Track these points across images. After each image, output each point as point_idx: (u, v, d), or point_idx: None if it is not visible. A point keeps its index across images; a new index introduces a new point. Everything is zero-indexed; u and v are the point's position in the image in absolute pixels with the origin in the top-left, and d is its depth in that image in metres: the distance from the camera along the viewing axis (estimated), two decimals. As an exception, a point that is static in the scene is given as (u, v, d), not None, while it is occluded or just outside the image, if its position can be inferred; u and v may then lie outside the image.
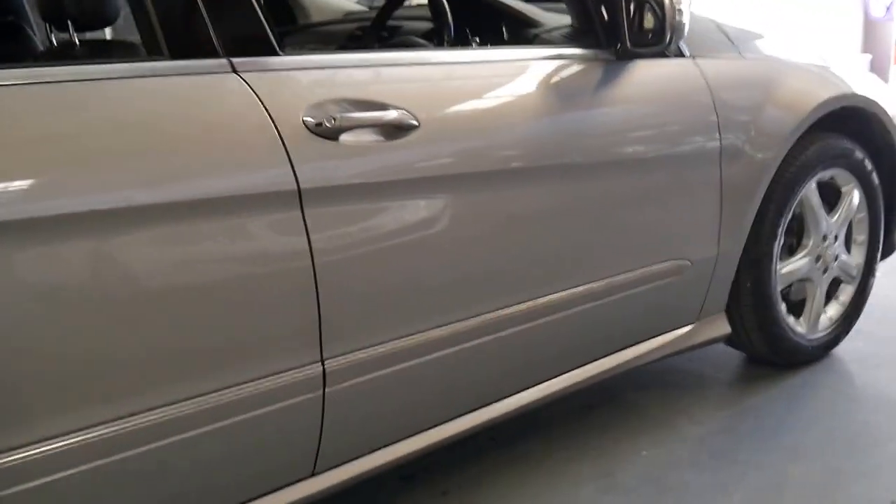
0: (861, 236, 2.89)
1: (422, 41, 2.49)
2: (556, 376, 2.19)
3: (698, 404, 2.58)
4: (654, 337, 2.40)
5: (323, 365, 1.62)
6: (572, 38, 2.24)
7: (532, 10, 2.50)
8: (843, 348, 2.88)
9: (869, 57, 8.71)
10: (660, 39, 2.04)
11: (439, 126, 1.79)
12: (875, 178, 2.81)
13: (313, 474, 1.73)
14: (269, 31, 1.63)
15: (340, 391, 1.67)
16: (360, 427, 1.81)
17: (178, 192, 1.39)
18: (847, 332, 2.91)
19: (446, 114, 1.83)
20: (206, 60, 1.52)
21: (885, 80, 8.68)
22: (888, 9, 8.50)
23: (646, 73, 2.20)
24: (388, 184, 1.70)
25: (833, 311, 2.87)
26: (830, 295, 2.87)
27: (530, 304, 1.99)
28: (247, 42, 1.61)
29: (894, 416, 2.46)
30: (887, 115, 2.78)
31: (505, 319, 1.95)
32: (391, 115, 1.68)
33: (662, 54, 2.24)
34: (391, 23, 2.86)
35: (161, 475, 1.48)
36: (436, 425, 1.95)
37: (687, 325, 2.45)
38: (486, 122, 1.89)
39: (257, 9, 1.63)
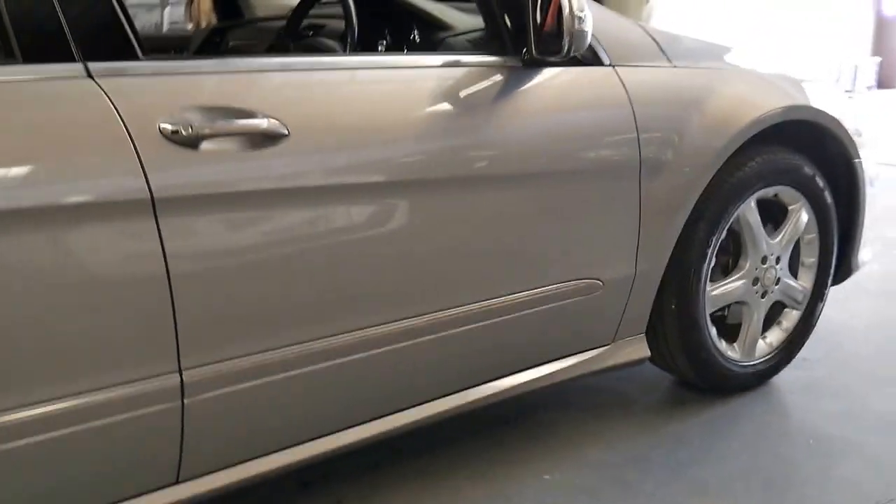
0: (810, 259, 2.77)
1: (330, 44, 2.45)
2: (454, 392, 2.13)
3: (616, 428, 2.50)
4: (565, 357, 2.33)
5: (181, 375, 1.60)
6: (480, 43, 2.16)
7: (446, 14, 2.41)
8: (784, 377, 2.76)
9: (878, 60, 8.62)
10: (557, 47, 1.98)
11: (311, 136, 1.72)
12: (827, 196, 2.70)
13: (177, 482, 1.71)
14: (129, 34, 1.60)
15: (201, 402, 1.65)
16: (226, 438, 1.77)
17: (29, 199, 1.40)
18: (789, 361, 2.79)
19: (320, 123, 1.75)
20: (61, 65, 1.50)
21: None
22: (902, 8, 8.38)
23: (555, 82, 2.09)
24: (251, 194, 1.66)
25: (774, 337, 2.76)
26: (773, 319, 2.80)
27: (416, 320, 1.92)
28: (105, 46, 1.57)
29: (818, 455, 2.36)
30: (843, 129, 2.65)
31: (387, 335, 1.88)
32: (258, 123, 1.64)
33: (578, 61, 2.18)
34: (315, 23, 2.82)
35: (16, 477, 1.49)
36: (318, 437, 1.91)
37: (601, 346, 2.36)
38: (365, 131, 1.80)
39: (118, 11, 1.59)
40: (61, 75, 1.50)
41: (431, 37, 2.36)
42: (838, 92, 2.89)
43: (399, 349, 1.92)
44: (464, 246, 1.97)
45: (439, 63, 2.01)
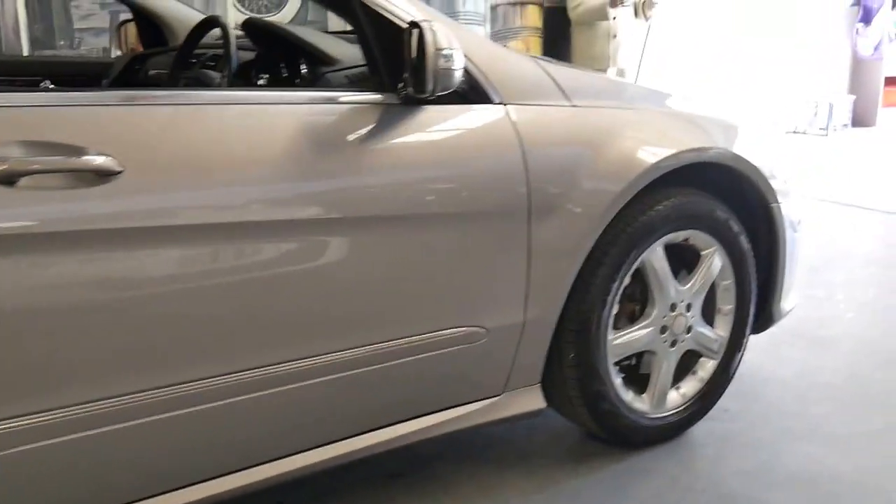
0: (727, 306, 2.68)
1: (212, 77, 2.39)
2: (328, 443, 2.04)
3: (515, 483, 2.39)
4: (452, 407, 2.24)
5: None
6: (362, 80, 2.09)
7: (336, 49, 2.36)
8: (700, 429, 2.68)
9: (852, 98, 8.62)
10: (421, 87, 1.91)
11: (149, 174, 1.66)
12: (744, 241, 2.62)
13: None
14: None
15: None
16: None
17: None
18: (705, 412, 2.70)
19: (162, 160, 1.69)
20: None
21: (872, 122, 8.58)
22: (876, 48, 8.37)
23: (436, 121, 2.00)
24: (74, 234, 1.59)
25: (688, 387, 2.67)
26: (688, 369, 2.72)
27: (269, 370, 1.85)
28: None
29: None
30: (760, 173, 2.58)
31: (233, 386, 1.81)
32: (88, 159, 1.56)
33: (465, 99, 2.11)
34: (218, 54, 2.77)
35: None
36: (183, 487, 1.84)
37: (491, 396, 2.27)
38: (212, 169, 1.75)
39: None
40: None
41: (317, 72, 2.28)
42: (762, 136, 2.80)
43: (255, 399, 1.83)
44: (322, 293, 1.88)
45: (306, 99, 1.93)
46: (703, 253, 2.57)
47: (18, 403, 1.58)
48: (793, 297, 2.95)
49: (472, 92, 2.08)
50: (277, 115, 1.85)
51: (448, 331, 2.08)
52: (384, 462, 2.43)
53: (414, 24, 1.85)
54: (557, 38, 6.60)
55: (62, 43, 5.36)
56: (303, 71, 2.31)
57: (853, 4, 8.69)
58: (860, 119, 8.70)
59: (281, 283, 1.81)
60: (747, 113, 7.88)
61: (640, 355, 2.59)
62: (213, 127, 1.77)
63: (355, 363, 1.95)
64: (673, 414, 2.63)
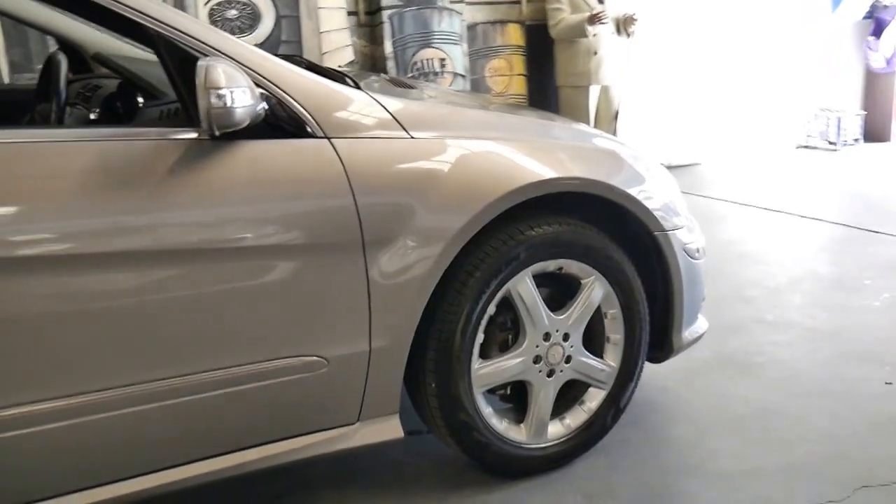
0: (615, 335, 2.70)
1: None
2: (178, 465, 2.13)
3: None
4: (305, 434, 2.28)
5: None
6: (176, 114, 2.16)
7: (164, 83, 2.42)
8: (586, 461, 2.71)
9: (863, 112, 8.60)
10: (195, 123, 1.97)
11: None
12: (628, 270, 2.65)
13: None
14: None
15: None
16: None
17: None
18: (593, 443, 2.73)
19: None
20: None
21: (887, 137, 8.52)
22: (889, 61, 8.32)
23: (251, 156, 2.05)
24: None
25: (574, 418, 2.69)
26: (576, 398, 2.74)
27: (94, 395, 1.94)
28: None
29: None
30: (637, 202, 2.60)
31: (67, 409, 1.91)
32: None
33: (288, 134, 2.15)
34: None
35: None
36: None
37: (345, 424, 2.32)
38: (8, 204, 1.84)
39: None
40: None
41: (138, 107, 2.36)
42: (653, 165, 2.81)
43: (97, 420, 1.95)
44: (137, 323, 1.96)
45: (108, 136, 1.99)
46: (583, 282, 2.59)
47: None
48: (699, 325, 2.96)
49: (294, 126, 2.12)
50: (70, 152, 1.92)
51: (284, 360, 2.14)
52: (268, 484, 2.57)
53: (198, 61, 1.90)
54: (541, 56, 6.65)
55: (39, 67, 5.51)
56: (139, 102, 2.38)
57: (865, 17, 8.62)
58: (873, 134, 8.62)
59: (83, 315, 1.88)
60: (756, 127, 7.91)
61: (519, 384, 2.59)
62: (14, 162, 1.84)
63: (192, 389, 2.04)
64: (554, 445, 2.66)
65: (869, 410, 3.01)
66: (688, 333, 2.89)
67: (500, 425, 2.56)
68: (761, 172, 7.41)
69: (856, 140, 8.34)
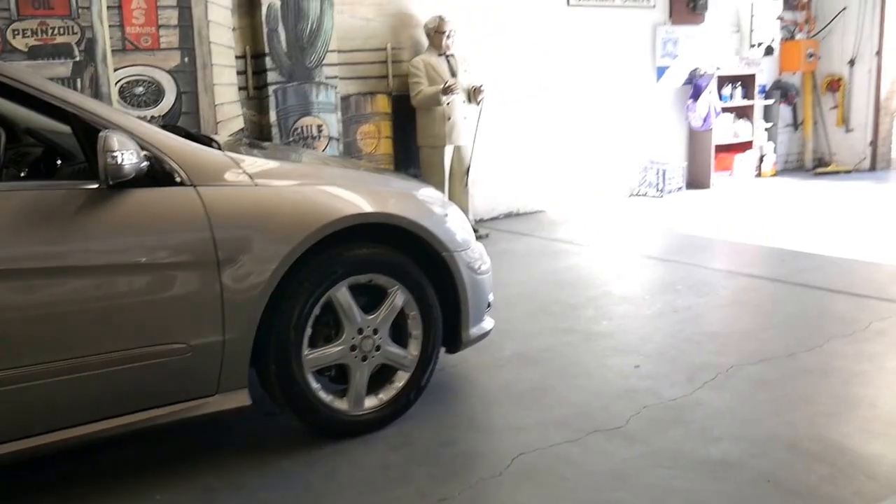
0: (416, 331, 3.45)
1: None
2: (73, 426, 2.79)
3: (238, 463, 3.17)
4: (176, 402, 2.96)
5: None
6: (84, 171, 2.85)
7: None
8: (395, 425, 3.45)
9: (684, 163, 9.59)
10: (97, 176, 2.68)
11: None
12: (424, 282, 3.40)
13: None
14: None
15: None
16: None
17: None
18: (403, 412, 3.46)
19: None
20: None
21: (707, 184, 9.52)
22: (705, 120, 9.35)
23: (136, 200, 2.76)
24: None
25: (386, 393, 3.42)
26: (388, 379, 3.47)
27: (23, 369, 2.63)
28: None
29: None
30: (427, 230, 3.36)
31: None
32: None
33: (165, 183, 2.88)
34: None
35: None
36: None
37: (207, 395, 2.99)
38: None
39: None
40: None
41: (61, 167, 3.10)
42: (439, 202, 3.61)
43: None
44: (47, 318, 2.69)
45: (31, 186, 2.75)
46: (388, 290, 3.36)
47: None
48: (485, 324, 3.75)
49: (168, 178, 2.86)
50: (4, 198, 2.65)
51: (159, 346, 2.85)
52: (151, 452, 3.26)
53: (98, 131, 2.66)
54: (404, 121, 7.43)
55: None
56: (58, 164, 3.13)
57: (685, 83, 9.66)
58: (696, 182, 9.60)
59: (11, 312, 2.62)
60: (594, 178, 8.78)
61: (342, 368, 3.34)
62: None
63: (82, 367, 2.72)
64: (369, 413, 3.39)
65: (617, 385, 3.83)
66: (475, 330, 3.67)
67: (328, 398, 3.28)
68: (596, 217, 8.26)
69: (679, 188, 9.25)
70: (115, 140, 2.62)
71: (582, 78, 8.82)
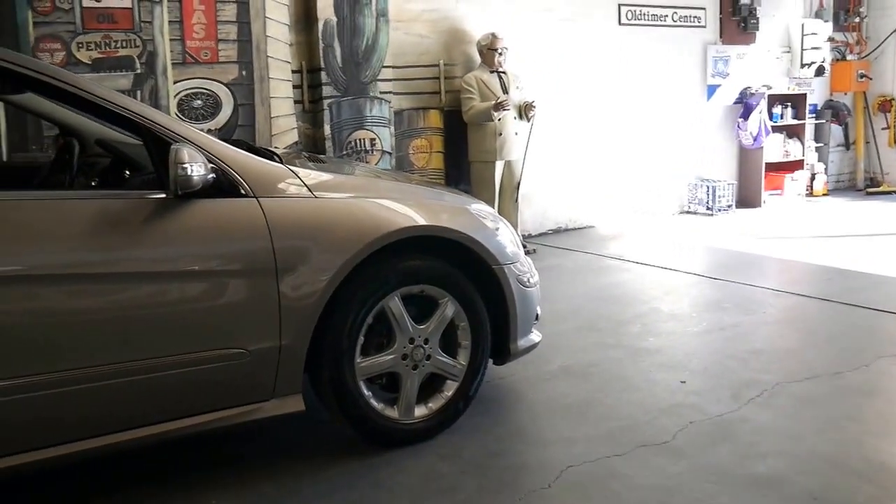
0: (465, 342, 3.48)
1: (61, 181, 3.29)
2: (112, 433, 2.84)
3: (292, 468, 3.23)
4: (233, 406, 3.02)
5: None
6: (152, 181, 2.92)
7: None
8: (445, 435, 3.47)
9: (734, 182, 9.55)
10: (165, 187, 2.77)
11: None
12: (474, 294, 3.44)
13: None
14: None
15: None
16: None
17: None
18: (451, 422, 3.49)
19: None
20: None
21: (758, 203, 9.46)
22: (755, 138, 9.30)
23: (202, 209, 2.84)
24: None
25: (435, 402, 3.45)
26: (437, 389, 3.50)
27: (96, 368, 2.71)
28: None
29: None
30: (479, 243, 3.41)
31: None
32: None
33: (230, 195, 2.94)
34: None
35: None
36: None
37: (261, 400, 3.05)
38: (30, 241, 2.63)
39: None
40: None
41: (130, 177, 3.20)
42: (491, 216, 3.66)
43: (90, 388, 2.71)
44: (116, 321, 2.76)
45: (100, 195, 2.85)
46: (439, 302, 3.40)
47: None
48: (532, 337, 3.77)
49: (232, 189, 2.93)
50: (76, 206, 2.75)
51: (219, 350, 2.91)
52: (206, 456, 3.31)
53: (169, 145, 2.74)
54: (456, 136, 7.50)
55: (34, 147, 6.20)
56: (126, 174, 3.22)
57: (735, 102, 9.62)
58: (746, 200, 9.54)
59: (83, 315, 2.71)
60: (645, 195, 8.78)
61: (393, 376, 3.38)
62: (33, 213, 2.68)
63: (147, 369, 2.80)
64: (419, 422, 3.42)
65: (663, 400, 3.83)
66: (523, 342, 3.69)
67: (379, 406, 3.32)
68: (645, 233, 8.25)
69: (729, 206, 9.21)
70: (186, 153, 2.70)
71: (632, 95, 8.83)
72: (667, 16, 9.03)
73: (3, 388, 2.55)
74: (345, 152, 6.88)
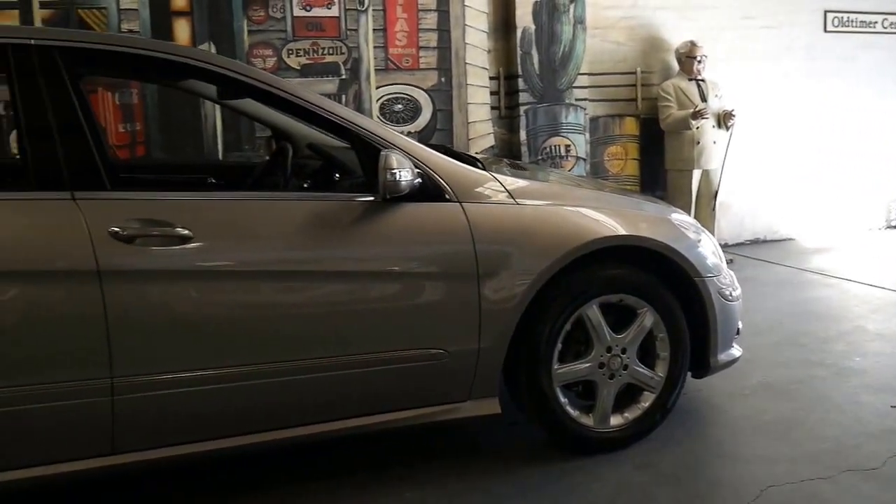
0: (663, 353, 3.40)
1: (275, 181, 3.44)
2: (317, 423, 2.96)
3: (489, 469, 3.24)
4: (431, 405, 3.08)
5: (112, 380, 2.55)
6: (361, 184, 3.03)
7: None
8: (640, 445, 3.41)
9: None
10: (376, 191, 2.84)
11: (209, 238, 2.70)
12: (674, 305, 3.37)
13: (112, 453, 2.62)
14: (102, 172, 2.64)
15: (127, 399, 2.59)
16: (149, 427, 2.68)
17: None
18: (647, 433, 3.42)
19: (217, 231, 2.73)
20: (55, 192, 2.53)
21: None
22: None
23: (409, 212, 2.91)
24: (166, 272, 2.65)
25: (631, 412, 3.39)
26: (634, 399, 3.45)
27: (279, 364, 2.81)
28: (85, 179, 2.61)
29: None
30: (679, 254, 3.33)
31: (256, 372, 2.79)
32: (174, 230, 2.62)
33: (434, 199, 2.99)
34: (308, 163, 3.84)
35: None
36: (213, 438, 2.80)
37: (457, 401, 3.09)
38: (247, 238, 2.77)
39: (97, 158, 2.64)
40: (56, 198, 2.54)
41: (333, 179, 3.31)
42: (693, 227, 3.55)
43: (271, 383, 2.82)
44: (323, 316, 2.86)
45: (316, 197, 2.98)
46: (638, 311, 3.35)
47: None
48: (733, 351, 3.65)
49: (437, 194, 2.99)
50: (290, 207, 2.88)
51: (420, 350, 2.97)
52: (398, 453, 3.38)
53: (378, 150, 2.82)
54: (651, 144, 7.37)
55: (246, 147, 6.55)
56: (336, 177, 3.33)
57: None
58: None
59: (294, 309, 2.82)
60: (847, 208, 8.35)
61: (589, 384, 3.36)
62: (250, 213, 2.82)
63: (352, 364, 2.89)
64: (615, 431, 3.38)
65: (871, 423, 3.62)
66: (723, 357, 3.58)
67: (574, 413, 3.31)
68: (849, 247, 7.83)
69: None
70: (395, 159, 2.78)
71: (837, 103, 8.40)
72: (876, 22, 8.54)
73: (225, 375, 2.72)
74: (539, 158, 6.89)
